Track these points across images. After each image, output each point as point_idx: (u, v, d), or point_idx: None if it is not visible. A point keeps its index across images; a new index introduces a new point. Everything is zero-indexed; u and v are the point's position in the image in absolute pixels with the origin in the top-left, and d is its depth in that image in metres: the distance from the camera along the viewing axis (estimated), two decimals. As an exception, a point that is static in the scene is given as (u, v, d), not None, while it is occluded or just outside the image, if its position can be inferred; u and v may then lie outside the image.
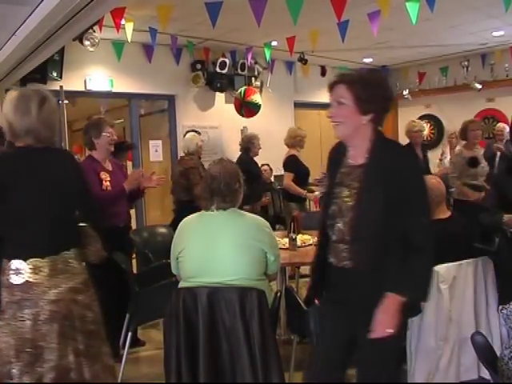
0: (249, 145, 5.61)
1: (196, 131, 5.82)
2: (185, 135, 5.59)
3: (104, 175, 3.46)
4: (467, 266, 2.49)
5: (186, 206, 4.20)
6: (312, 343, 2.66)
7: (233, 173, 2.53)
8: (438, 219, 3.00)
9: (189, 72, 6.96)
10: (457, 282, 2.45)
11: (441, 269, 2.41)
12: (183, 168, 4.80)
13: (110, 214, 3.44)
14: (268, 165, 6.69)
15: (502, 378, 1.78)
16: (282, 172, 5.92)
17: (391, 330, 1.78)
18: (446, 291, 2.40)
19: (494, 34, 6.68)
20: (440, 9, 4.63)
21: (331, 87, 1.88)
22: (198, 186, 2.72)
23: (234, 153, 6.05)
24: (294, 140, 5.36)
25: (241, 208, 2.59)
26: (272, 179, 6.85)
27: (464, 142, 5.16)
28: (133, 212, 6.23)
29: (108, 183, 3.45)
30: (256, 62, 7.33)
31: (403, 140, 5.43)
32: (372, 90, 1.80)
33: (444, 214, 2.99)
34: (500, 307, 1.85)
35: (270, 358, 2.25)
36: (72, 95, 6.35)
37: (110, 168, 3.57)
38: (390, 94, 1.87)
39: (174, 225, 3.75)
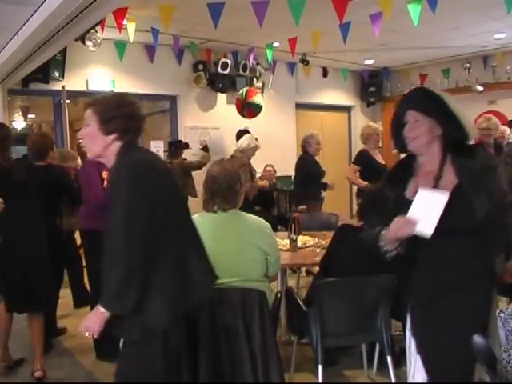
0: (305, 144, 5.52)
1: (248, 131, 6.07)
2: (239, 136, 5.74)
3: (106, 174, 3.47)
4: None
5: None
6: (311, 344, 2.67)
7: (234, 174, 2.51)
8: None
9: (191, 73, 6.98)
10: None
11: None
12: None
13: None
14: (271, 165, 6.68)
15: (500, 381, 1.78)
16: (286, 173, 5.84)
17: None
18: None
19: (496, 36, 6.69)
20: (442, 11, 4.63)
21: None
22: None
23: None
24: (369, 136, 5.32)
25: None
26: (274, 180, 6.83)
27: None
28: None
29: (109, 183, 3.46)
30: (258, 63, 7.34)
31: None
32: (113, 111, 1.88)
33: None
34: (498, 310, 1.85)
35: (270, 359, 2.26)
36: (74, 95, 6.36)
37: (113, 169, 3.57)
38: (133, 114, 1.92)
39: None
